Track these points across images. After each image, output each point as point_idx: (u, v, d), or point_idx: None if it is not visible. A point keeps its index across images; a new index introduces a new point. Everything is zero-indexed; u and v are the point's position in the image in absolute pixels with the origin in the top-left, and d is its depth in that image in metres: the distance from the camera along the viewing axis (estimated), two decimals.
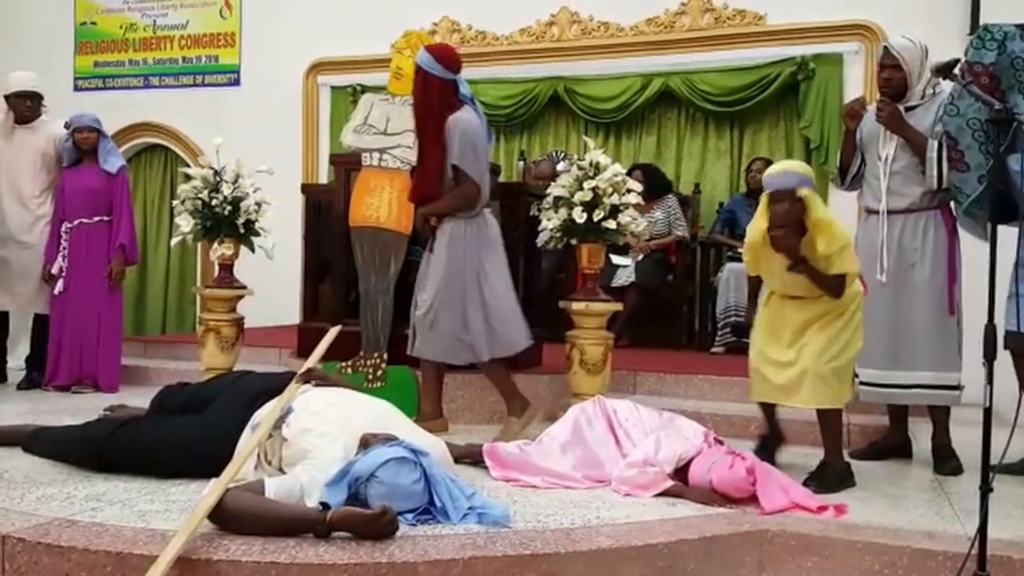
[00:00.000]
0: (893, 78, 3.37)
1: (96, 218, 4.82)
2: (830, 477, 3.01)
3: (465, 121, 3.52)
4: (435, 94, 3.54)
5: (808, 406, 3.04)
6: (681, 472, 2.85)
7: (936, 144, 3.27)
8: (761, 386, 3.18)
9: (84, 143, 4.83)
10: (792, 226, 2.92)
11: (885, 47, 3.43)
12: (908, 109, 3.37)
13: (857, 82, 6.12)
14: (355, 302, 4.31)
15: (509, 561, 2.15)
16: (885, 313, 3.37)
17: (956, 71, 2.81)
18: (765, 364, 3.14)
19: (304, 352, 4.56)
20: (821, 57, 6.21)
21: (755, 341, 3.23)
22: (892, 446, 3.56)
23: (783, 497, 2.68)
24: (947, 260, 3.34)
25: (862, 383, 3.46)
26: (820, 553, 2.45)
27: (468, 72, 6.83)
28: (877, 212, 3.43)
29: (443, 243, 3.58)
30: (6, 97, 4.93)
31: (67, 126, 4.87)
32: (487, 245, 3.60)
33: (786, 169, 3.04)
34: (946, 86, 3.28)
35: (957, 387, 3.35)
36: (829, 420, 3.07)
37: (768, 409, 3.30)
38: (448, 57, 3.58)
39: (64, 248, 4.78)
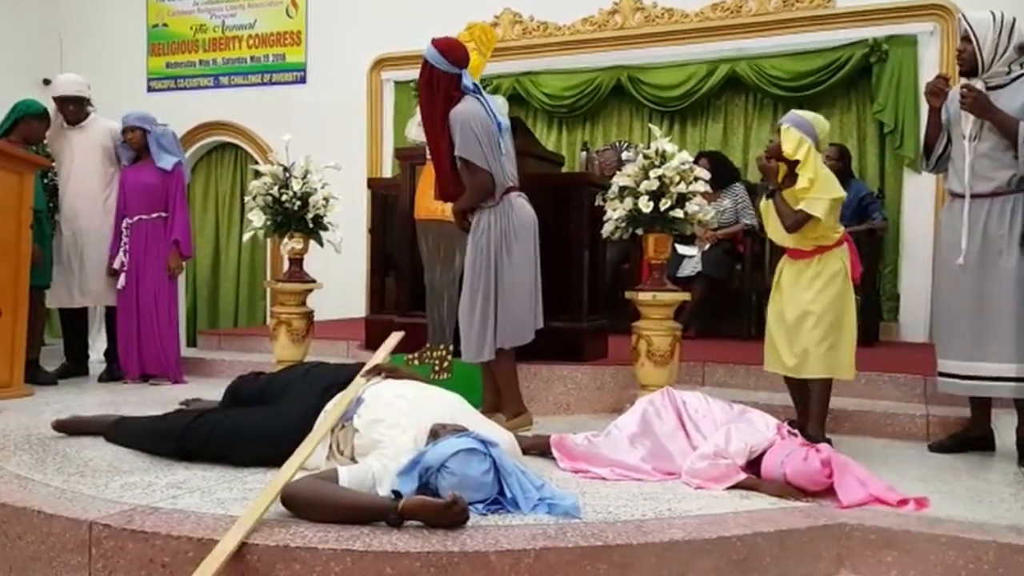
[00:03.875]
0: (964, 51, 3.25)
1: (155, 214, 4.94)
2: None
3: (463, 112, 3.46)
4: (441, 89, 3.49)
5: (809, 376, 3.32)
6: (753, 465, 2.79)
7: None
8: (773, 360, 3.44)
9: (131, 142, 4.97)
10: (774, 155, 3.35)
11: (958, 19, 3.32)
12: (994, 88, 3.21)
13: (932, 64, 5.94)
14: (421, 294, 4.34)
15: (580, 552, 2.14)
16: (968, 302, 3.24)
17: None
18: (775, 341, 3.41)
19: (371, 344, 4.63)
20: (894, 39, 6.04)
21: (768, 313, 3.52)
22: (974, 438, 3.43)
23: (861, 490, 2.60)
24: None
25: (942, 374, 3.35)
26: (901, 548, 2.37)
27: (530, 63, 6.98)
28: (961, 195, 3.29)
29: (473, 236, 3.59)
30: (55, 99, 5.06)
31: None
32: (512, 231, 3.54)
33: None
34: None
35: None
36: (819, 390, 3.33)
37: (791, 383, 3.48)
38: (455, 51, 3.53)
39: (125, 243, 4.93)
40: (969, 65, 3.25)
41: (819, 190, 3.22)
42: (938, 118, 3.40)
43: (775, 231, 3.42)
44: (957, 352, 3.28)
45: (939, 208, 5.93)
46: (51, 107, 5.01)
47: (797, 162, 3.26)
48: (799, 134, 3.25)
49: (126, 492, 2.52)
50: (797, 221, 3.28)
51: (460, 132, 3.45)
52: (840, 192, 3.27)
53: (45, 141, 5.04)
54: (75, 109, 5.02)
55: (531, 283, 3.61)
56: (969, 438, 3.43)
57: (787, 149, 3.27)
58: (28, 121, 4.77)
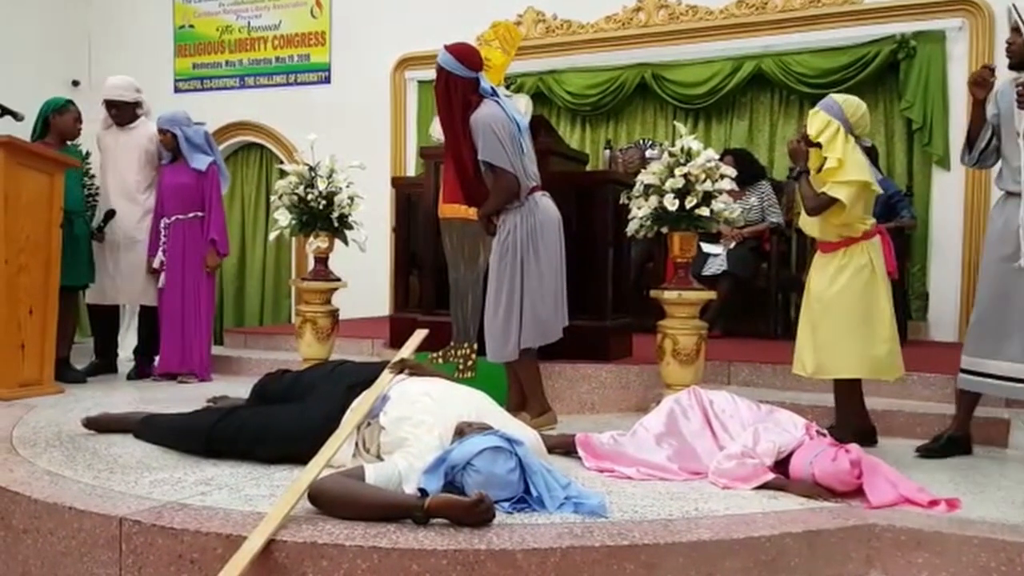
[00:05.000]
0: (1014, 43, 3.15)
1: (191, 214, 4.99)
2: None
3: (485, 115, 3.46)
4: (458, 94, 3.50)
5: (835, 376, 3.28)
6: (782, 465, 2.77)
7: None
8: (797, 362, 3.37)
9: (164, 144, 5.05)
10: (804, 140, 3.33)
11: (1008, 9, 3.21)
12: None
13: (961, 60, 5.87)
14: (446, 293, 4.35)
15: (607, 551, 2.13)
16: (1020, 302, 3.12)
17: None
18: (801, 342, 3.35)
19: (396, 342, 4.64)
20: (922, 35, 5.97)
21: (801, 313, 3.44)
22: (957, 439, 3.30)
23: (891, 491, 2.57)
24: None
25: (975, 373, 3.26)
26: (932, 549, 2.34)
27: (553, 61, 6.97)
28: (1016, 194, 3.15)
29: (499, 237, 3.59)
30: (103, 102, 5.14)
31: None
32: (538, 231, 3.54)
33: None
34: None
35: None
36: (843, 391, 3.29)
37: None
38: (469, 56, 3.53)
39: (164, 243, 4.99)
40: (1019, 58, 3.16)
41: (846, 173, 3.14)
42: (982, 110, 3.27)
43: (804, 219, 3.35)
44: (999, 352, 3.15)
45: (968, 206, 5.88)
46: (81, 106, 5.07)
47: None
48: (826, 116, 3.21)
49: (155, 489, 2.55)
50: (819, 204, 3.21)
51: (483, 136, 3.45)
52: (867, 177, 3.15)
53: (79, 140, 5.10)
54: (117, 113, 5.09)
55: (557, 282, 3.61)
56: (953, 440, 3.30)
57: (811, 131, 3.22)
58: (55, 118, 4.82)
